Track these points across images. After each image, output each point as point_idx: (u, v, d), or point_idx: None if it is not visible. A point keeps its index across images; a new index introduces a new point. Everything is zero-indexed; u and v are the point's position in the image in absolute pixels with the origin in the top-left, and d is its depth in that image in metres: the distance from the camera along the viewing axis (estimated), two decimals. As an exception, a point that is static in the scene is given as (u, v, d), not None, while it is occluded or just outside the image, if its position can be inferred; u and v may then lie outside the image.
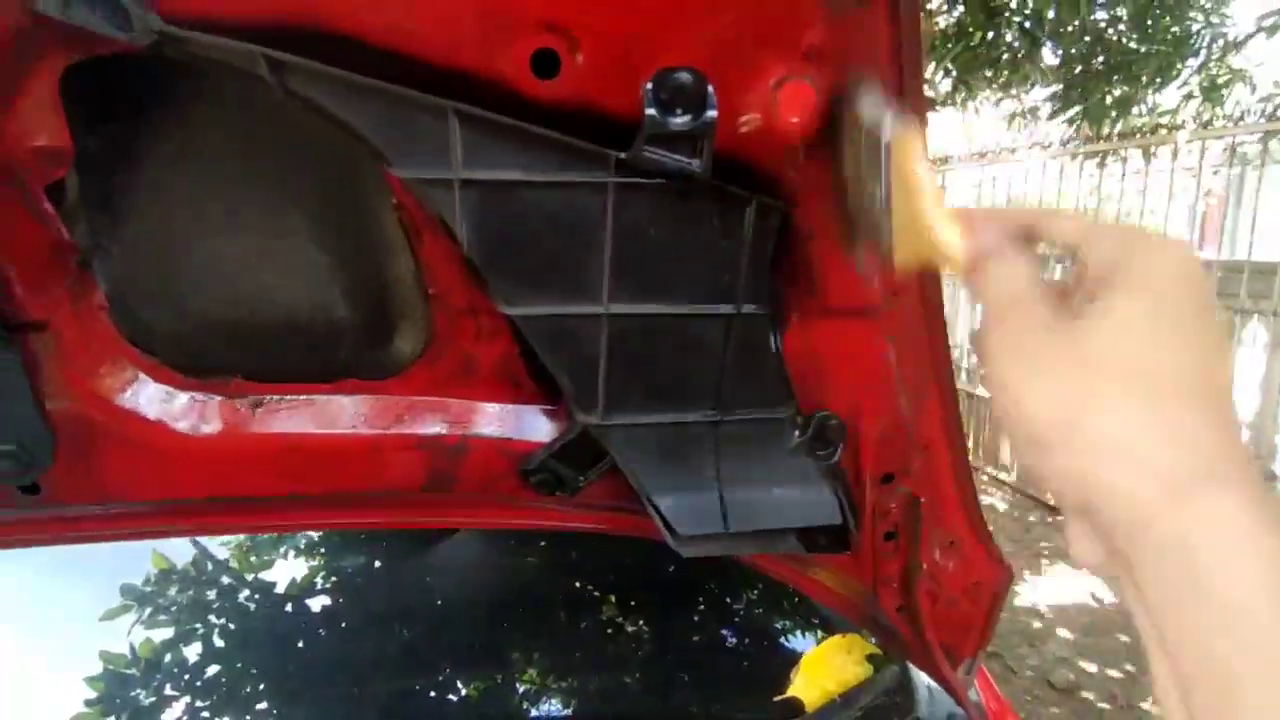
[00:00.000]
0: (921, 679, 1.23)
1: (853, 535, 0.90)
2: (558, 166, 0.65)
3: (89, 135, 0.65)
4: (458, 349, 0.82)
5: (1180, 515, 0.34)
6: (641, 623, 1.54)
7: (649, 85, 0.61)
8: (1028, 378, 0.38)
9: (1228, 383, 0.37)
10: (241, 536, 1.57)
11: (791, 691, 1.24)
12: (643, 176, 0.65)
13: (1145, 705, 3.28)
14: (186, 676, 1.30)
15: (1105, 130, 5.29)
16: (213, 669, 1.33)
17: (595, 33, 0.59)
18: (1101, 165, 5.34)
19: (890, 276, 0.78)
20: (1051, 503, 5.12)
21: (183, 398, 0.78)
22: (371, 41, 0.57)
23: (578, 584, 1.62)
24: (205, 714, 1.26)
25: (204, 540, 1.50)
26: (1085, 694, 3.41)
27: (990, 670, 1.38)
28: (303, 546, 1.64)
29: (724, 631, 1.59)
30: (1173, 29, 5.26)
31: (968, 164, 6.48)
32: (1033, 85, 5.51)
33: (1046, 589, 4.24)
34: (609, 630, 1.51)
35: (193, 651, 1.34)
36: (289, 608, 1.50)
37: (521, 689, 1.40)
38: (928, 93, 5.75)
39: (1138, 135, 5.05)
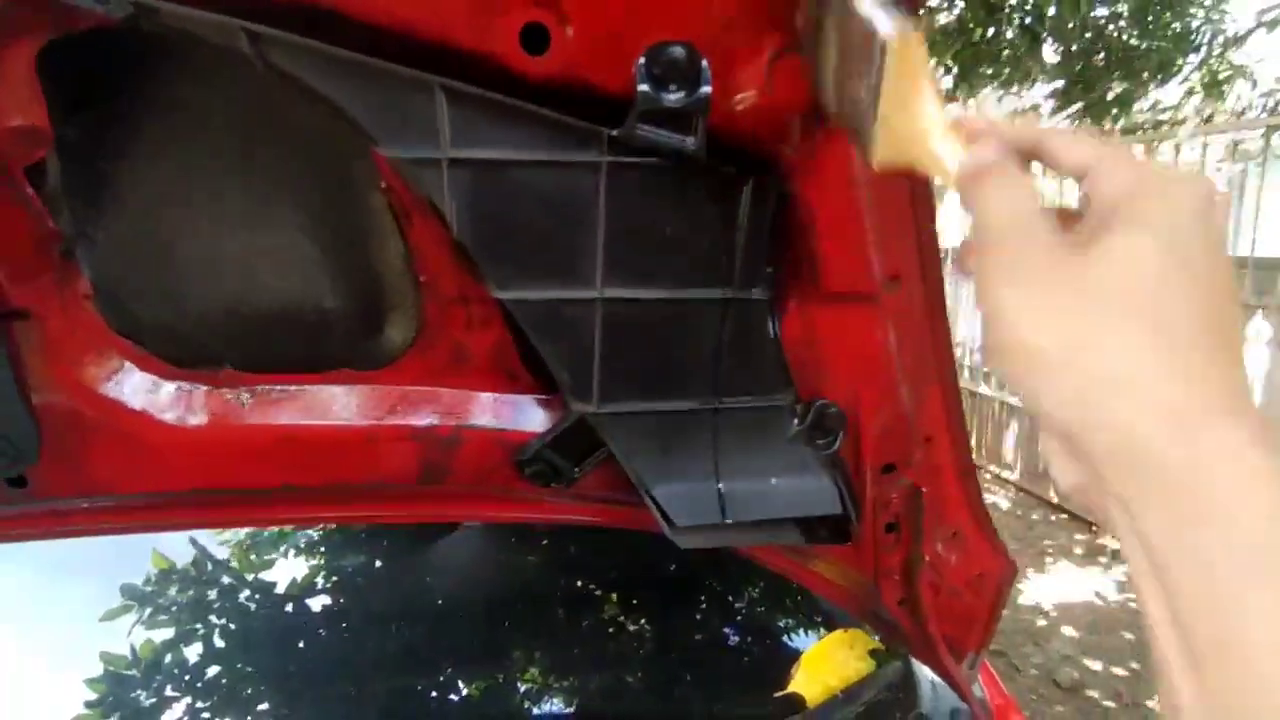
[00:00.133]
0: (925, 674, 1.22)
1: (853, 526, 0.88)
2: (549, 145, 0.63)
3: (70, 120, 0.63)
4: (450, 338, 0.80)
5: (1190, 446, 0.33)
6: (641, 620, 1.52)
7: (642, 61, 0.59)
8: (1026, 305, 0.37)
9: (1237, 325, 0.37)
10: (241, 535, 1.56)
11: (793, 687, 1.22)
12: (636, 155, 0.64)
13: (1151, 703, 3.26)
14: (187, 677, 1.29)
15: (1107, 127, 5.28)
16: (213, 669, 1.32)
17: (586, 6, 0.58)
18: (1103, 162, 5.32)
19: (890, 261, 0.77)
20: (1055, 501, 5.10)
21: (170, 388, 0.77)
22: (355, 15, 0.56)
23: (577, 581, 1.61)
24: (206, 715, 1.25)
25: (204, 539, 1.50)
26: (1090, 692, 3.39)
27: (994, 668, 1.37)
28: (303, 545, 1.63)
29: (724, 627, 1.57)
30: (1173, 25, 5.25)
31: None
32: (1034, 82, 5.50)
33: (1050, 587, 4.22)
34: (609, 627, 1.50)
35: (193, 652, 1.33)
36: (290, 607, 1.49)
37: (522, 687, 1.39)
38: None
39: (1139, 131, 5.04)
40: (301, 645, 1.45)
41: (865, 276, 0.77)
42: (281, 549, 1.60)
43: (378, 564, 1.68)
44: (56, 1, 0.50)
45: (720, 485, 0.83)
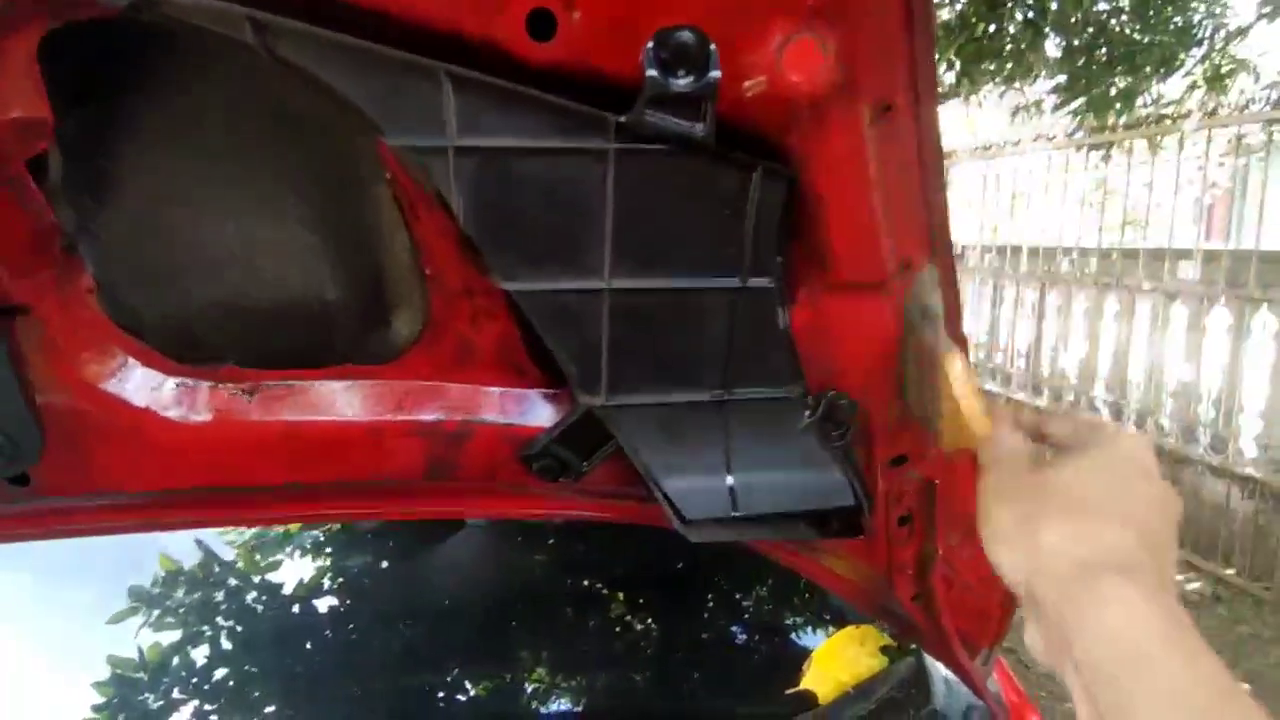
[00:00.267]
0: (938, 670, 1.21)
1: (866, 519, 0.87)
2: (556, 132, 0.62)
3: (72, 112, 0.62)
4: (456, 332, 0.79)
5: (1093, 591, 0.47)
6: (652, 617, 1.52)
7: (650, 45, 0.58)
8: (1001, 504, 0.56)
9: (1160, 525, 0.52)
10: (248, 536, 1.56)
11: (804, 684, 1.21)
12: (644, 142, 0.63)
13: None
14: (194, 680, 1.29)
15: (1109, 122, 5.26)
16: (221, 672, 1.32)
17: None
18: (1106, 157, 5.31)
19: (902, 249, 0.76)
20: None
21: (173, 384, 0.76)
22: (360, 2, 0.55)
23: (586, 579, 1.60)
24: (214, 717, 1.25)
25: (210, 541, 1.49)
26: (1100, 689, 3.37)
27: (1005, 663, 1.36)
28: (309, 546, 1.63)
29: (735, 625, 1.56)
30: (1175, 19, 5.24)
31: (972, 158, 6.45)
32: (1036, 77, 5.49)
33: (1058, 584, 4.20)
34: (619, 625, 1.49)
35: (200, 654, 1.33)
36: (297, 609, 1.49)
37: (531, 686, 1.39)
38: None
39: (1142, 126, 5.02)
40: (309, 646, 1.45)
41: (877, 265, 0.76)
42: (288, 550, 1.60)
43: (384, 564, 1.68)
44: None
45: (731, 478, 0.82)
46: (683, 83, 0.59)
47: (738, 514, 0.82)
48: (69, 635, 1.31)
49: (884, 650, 1.23)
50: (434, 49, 0.58)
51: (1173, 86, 5.58)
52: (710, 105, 0.60)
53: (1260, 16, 5.12)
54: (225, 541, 1.52)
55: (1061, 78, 5.35)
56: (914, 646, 1.21)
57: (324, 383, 0.80)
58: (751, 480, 0.82)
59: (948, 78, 5.34)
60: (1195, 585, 4.45)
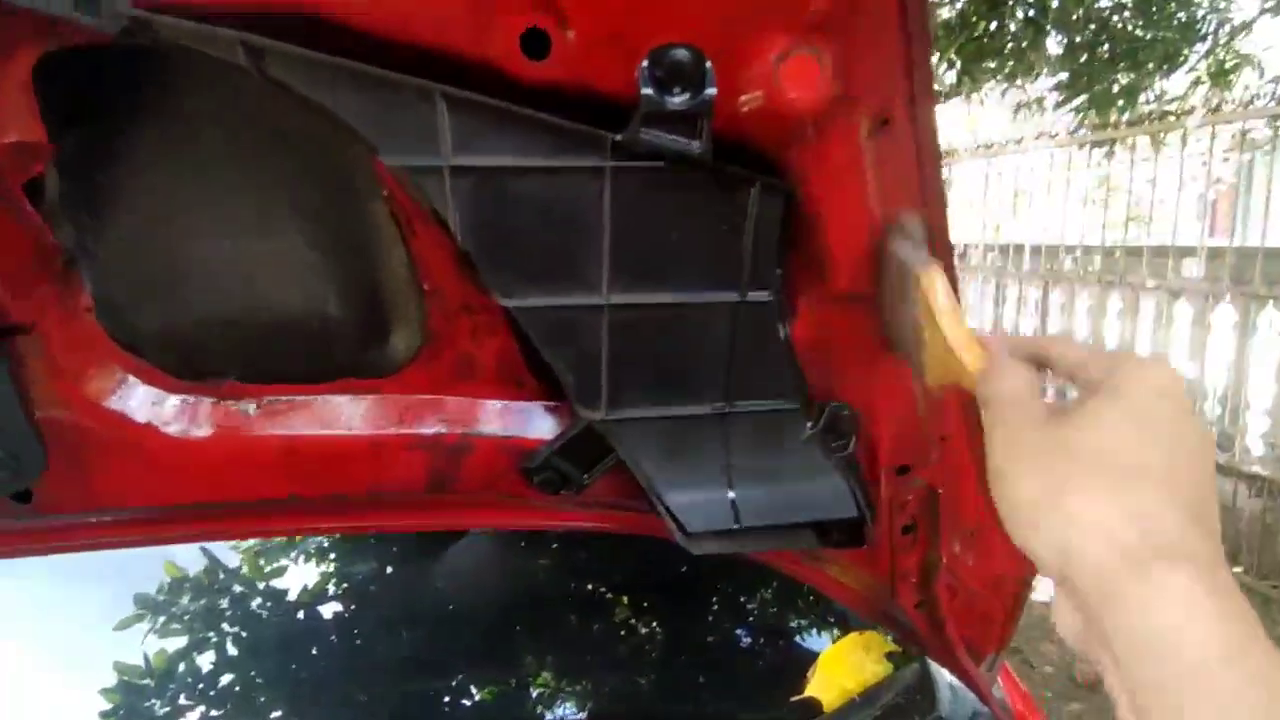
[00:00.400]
0: (943, 676, 1.20)
1: (869, 529, 0.87)
2: (552, 150, 0.62)
3: (69, 132, 0.63)
4: (456, 346, 0.79)
5: (1141, 584, 0.40)
6: (655, 623, 1.52)
7: (645, 63, 0.58)
8: (1017, 465, 0.46)
9: (1202, 477, 0.43)
10: (253, 543, 1.56)
11: (809, 691, 1.21)
12: (640, 159, 0.63)
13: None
14: (200, 686, 1.30)
15: (1112, 119, 5.24)
16: (226, 678, 1.32)
17: (587, 9, 0.57)
18: (1109, 154, 5.29)
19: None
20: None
21: (174, 400, 0.76)
22: (353, 24, 0.55)
23: (590, 585, 1.60)
24: (220, 725, 1.25)
25: (215, 548, 1.50)
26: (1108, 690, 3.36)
27: (1010, 665, 1.35)
28: (314, 552, 1.63)
29: (739, 631, 1.56)
30: (1178, 14, 5.22)
31: (974, 156, 6.43)
32: (1037, 75, 5.47)
33: (1065, 583, 4.19)
34: (623, 631, 1.49)
35: (206, 661, 1.34)
36: (301, 615, 1.49)
37: (536, 691, 1.39)
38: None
39: (1145, 123, 5.00)
40: (314, 652, 1.45)
41: (876, 275, 0.76)
42: (293, 556, 1.60)
43: (389, 570, 1.68)
44: (51, 16, 0.50)
45: (733, 490, 0.82)
46: (678, 100, 0.59)
47: (740, 526, 0.81)
48: (76, 642, 1.31)
49: (889, 656, 1.23)
50: (428, 69, 0.57)
51: (1176, 82, 5.55)
52: (706, 122, 0.60)
53: (1264, 10, 5.10)
54: (230, 548, 1.52)
55: (1063, 75, 5.33)
56: (919, 653, 1.20)
57: (324, 398, 0.80)
58: (753, 492, 0.82)
59: (949, 77, 5.33)
60: (1202, 583, 4.43)
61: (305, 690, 1.34)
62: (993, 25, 4.82)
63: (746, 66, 0.60)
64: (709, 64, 0.59)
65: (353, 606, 1.57)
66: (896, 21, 0.61)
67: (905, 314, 0.60)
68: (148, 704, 1.25)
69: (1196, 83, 5.36)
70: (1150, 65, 5.11)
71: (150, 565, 1.43)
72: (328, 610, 1.54)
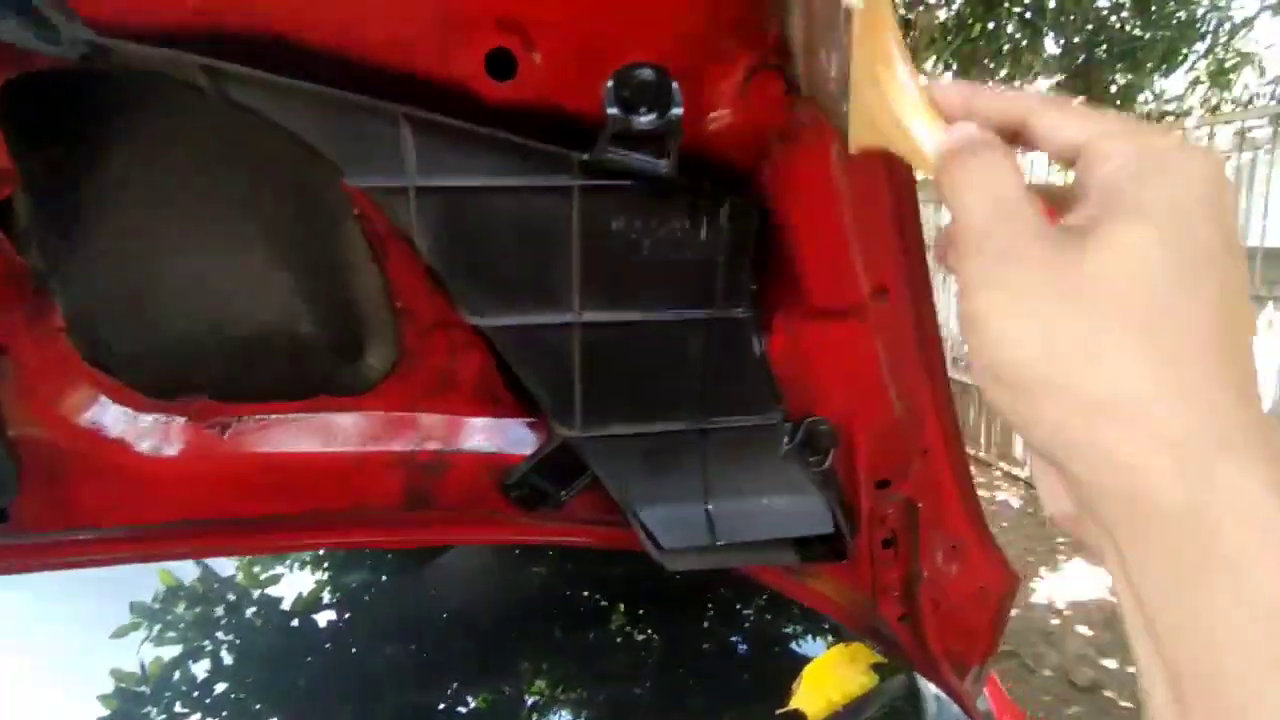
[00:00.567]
0: (929, 689, 1.20)
1: (848, 543, 0.87)
2: (518, 170, 0.62)
3: (38, 154, 0.62)
4: (431, 363, 0.79)
5: (1195, 488, 0.28)
6: (640, 637, 1.51)
7: (610, 84, 0.58)
8: (1010, 311, 0.31)
9: (1250, 333, 0.31)
10: (247, 551, 1.56)
11: (794, 703, 1.20)
12: (608, 178, 0.62)
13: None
14: (196, 693, 1.30)
15: (1110, 119, 5.22)
16: (222, 685, 1.32)
17: (552, 30, 0.56)
18: (1108, 154, 5.27)
19: (875, 274, 0.75)
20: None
21: (147, 419, 0.76)
22: (316, 46, 0.55)
23: (575, 598, 1.60)
24: (216, 731, 1.25)
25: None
26: (1107, 692, 3.35)
27: (1008, 669, 1.34)
28: (308, 560, 1.64)
29: (724, 643, 1.56)
30: (1177, 14, 5.19)
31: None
32: (1035, 76, 5.46)
33: (1064, 585, 4.18)
34: (609, 645, 1.49)
35: (202, 668, 1.34)
36: (297, 623, 1.50)
37: (527, 700, 1.39)
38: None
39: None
40: (308, 660, 1.45)
41: (851, 290, 0.75)
42: (287, 564, 1.61)
43: (383, 579, 1.68)
44: (8, 44, 0.50)
45: (709, 506, 0.81)
46: (645, 120, 0.59)
47: (716, 541, 0.81)
48: (73, 649, 1.31)
49: (875, 668, 1.22)
50: (394, 90, 0.57)
51: (1175, 82, 5.53)
52: (674, 141, 0.60)
53: (1264, 8, 5.07)
54: (224, 557, 1.52)
55: (1060, 76, 5.32)
56: (905, 665, 1.20)
57: (299, 415, 0.80)
58: (730, 507, 0.82)
59: (945, 78, 5.32)
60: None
61: (300, 698, 1.34)
62: (989, 27, 4.81)
63: (713, 85, 0.60)
64: (675, 84, 0.58)
65: (347, 615, 1.57)
66: None
67: (828, 57, 0.45)
68: (144, 710, 1.25)
69: (1195, 83, 5.34)
70: (1148, 65, 5.10)
71: (146, 574, 1.43)
72: (322, 618, 1.54)
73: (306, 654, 1.46)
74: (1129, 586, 0.31)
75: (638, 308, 0.71)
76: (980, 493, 0.96)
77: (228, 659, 1.38)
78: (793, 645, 1.50)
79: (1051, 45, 5.15)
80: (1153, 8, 4.98)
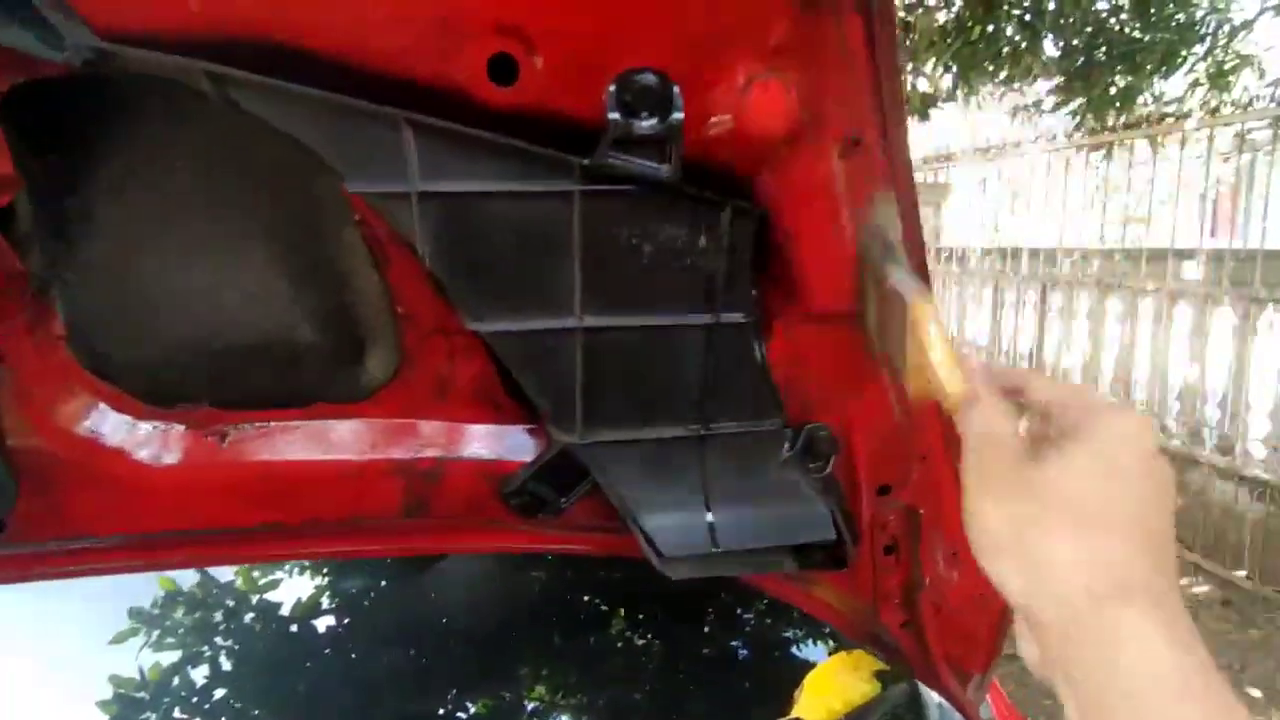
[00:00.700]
0: (932, 697, 1.19)
1: (849, 550, 0.86)
2: (520, 175, 0.62)
3: (39, 162, 0.62)
4: (431, 369, 0.79)
5: (1098, 621, 0.43)
6: (641, 645, 1.51)
7: (612, 89, 0.58)
8: (990, 499, 0.48)
9: (1162, 523, 0.46)
10: (244, 557, 1.55)
11: (796, 712, 1.19)
12: (609, 183, 0.62)
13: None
14: (195, 699, 1.30)
15: (1110, 121, 5.22)
16: (220, 691, 1.32)
17: (553, 35, 0.56)
18: (1108, 157, 5.27)
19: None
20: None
21: (147, 428, 0.76)
22: (319, 52, 0.55)
23: (574, 604, 1.60)
24: (214, 737, 1.25)
25: (208, 563, 1.49)
26: (1108, 696, 3.33)
27: (1008, 672, 1.34)
28: (308, 567, 1.63)
29: (724, 651, 1.55)
30: (1177, 15, 5.19)
31: (972, 160, 6.42)
32: (1035, 78, 5.45)
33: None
34: (608, 651, 1.48)
35: (200, 674, 1.34)
36: (295, 628, 1.49)
37: (527, 705, 1.38)
38: (928, 89, 5.71)
39: (1143, 125, 4.98)
40: (307, 666, 1.45)
41: (851, 295, 0.75)
42: (287, 570, 1.60)
43: (383, 584, 1.68)
44: (13, 50, 0.49)
45: (710, 513, 0.81)
46: (646, 125, 0.58)
47: (717, 549, 0.81)
48: (73, 655, 1.31)
49: (877, 675, 1.22)
50: (396, 95, 0.57)
51: (1175, 84, 5.53)
52: (675, 146, 0.60)
53: (1265, 8, 5.07)
54: (222, 562, 1.52)
55: (1060, 78, 5.31)
56: (908, 672, 1.19)
57: (298, 423, 0.79)
58: (731, 514, 0.81)
59: (945, 81, 5.32)
60: (1204, 589, 4.40)
61: (298, 703, 1.34)
62: (988, 29, 4.81)
63: (714, 91, 0.60)
64: (676, 89, 0.58)
65: (346, 620, 1.57)
66: (862, 42, 0.60)
67: (893, 333, 0.64)
68: (143, 716, 1.25)
69: (1195, 84, 5.33)
70: (1148, 67, 5.09)
71: (145, 580, 1.43)
72: (321, 624, 1.54)
73: (305, 660, 1.46)
74: (1074, 699, 0.45)
75: (639, 312, 0.70)
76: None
77: (227, 665, 1.38)
78: (794, 652, 1.50)
79: (1051, 47, 5.15)
80: (1152, 10, 4.98)
